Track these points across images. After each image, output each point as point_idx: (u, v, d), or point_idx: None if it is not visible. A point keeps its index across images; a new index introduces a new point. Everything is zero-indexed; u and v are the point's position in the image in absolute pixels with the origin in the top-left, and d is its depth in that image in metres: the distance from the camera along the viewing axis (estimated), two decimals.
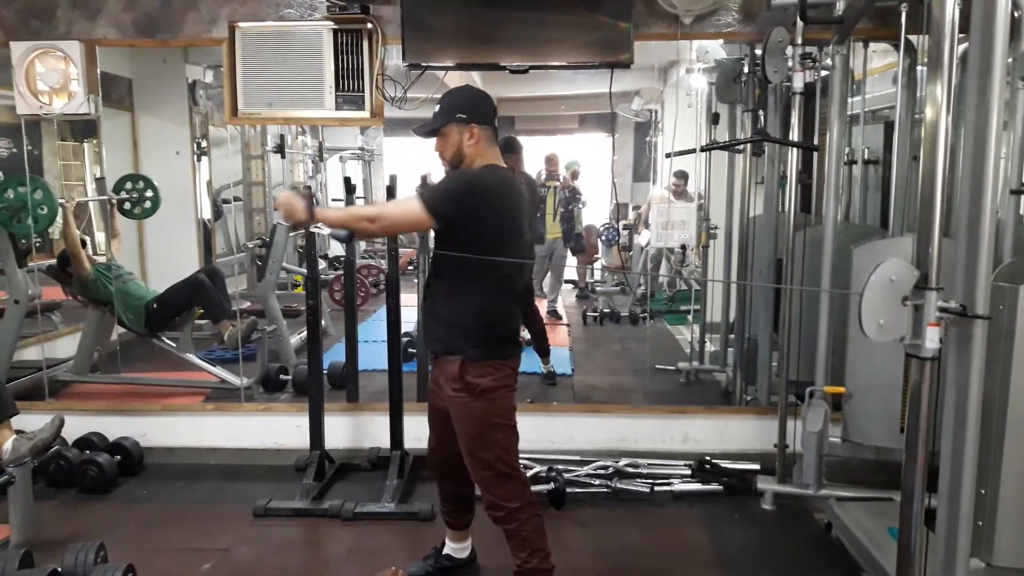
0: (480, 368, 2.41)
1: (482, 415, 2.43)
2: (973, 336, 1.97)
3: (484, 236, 2.35)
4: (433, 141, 2.48)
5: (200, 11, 3.78)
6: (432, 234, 2.61)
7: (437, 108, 2.48)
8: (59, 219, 4.31)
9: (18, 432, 3.11)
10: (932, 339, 1.94)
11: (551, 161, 6.88)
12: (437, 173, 2.67)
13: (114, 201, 4.76)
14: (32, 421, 3.27)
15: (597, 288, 7.97)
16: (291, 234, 5.30)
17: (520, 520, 2.47)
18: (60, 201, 4.24)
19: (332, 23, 3.69)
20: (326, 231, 2.36)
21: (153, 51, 4.43)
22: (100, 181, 4.94)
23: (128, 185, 4.83)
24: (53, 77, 3.75)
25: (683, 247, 4.84)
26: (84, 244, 4.52)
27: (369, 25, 3.67)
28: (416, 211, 2.34)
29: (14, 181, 4.01)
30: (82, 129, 5.42)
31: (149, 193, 4.82)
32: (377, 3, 3.63)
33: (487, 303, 2.44)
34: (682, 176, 5.86)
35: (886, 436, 3.07)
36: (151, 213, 4.86)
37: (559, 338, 6.00)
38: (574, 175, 7.11)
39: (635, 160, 7.84)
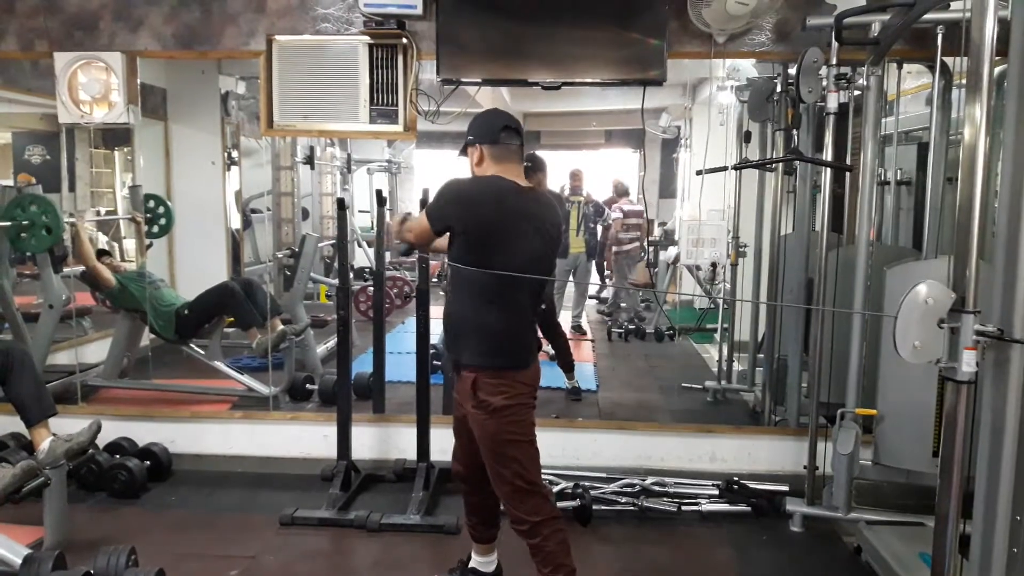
0: (493, 386, 2.42)
1: (494, 432, 2.44)
2: (1010, 360, 1.95)
3: (475, 244, 2.40)
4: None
5: (239, 24, 3.85)
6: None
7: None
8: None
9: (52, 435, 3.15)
10: (968, 362, 1.93)
11: (575, 176, 6.88)
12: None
13: (140, 219, 4.83)
14: (64, 424, 3.32)
15: (622, 304, 7.91)
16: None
17: (543, 535, 2.46)
18: (69, 220, 4.26)
19: (368, 38, 3.74)
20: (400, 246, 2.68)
21: (189, 62, 4.50)
22: (134, 189, 5.00)
23: None
24: (95, 87, 3.84)
25: (713, 264, 4.81)
26: (108, 253, 4.60)
27: (404, 40, 3.72)
28: (423, 220, 2.50)
29: (26, 200, 3.96)
30: (113, 137, 5.51)
31: (161, 210, 4.88)
32: (412, 19, 3.68)
33: (491, 314, 2.44)
34: (618, 188, 6.55)
35: (918, 460, 3.03)
36: (166, 231, 4.94)
37: (583, 354, 5.99)
38: None
39: (661, 177, 7.82)
